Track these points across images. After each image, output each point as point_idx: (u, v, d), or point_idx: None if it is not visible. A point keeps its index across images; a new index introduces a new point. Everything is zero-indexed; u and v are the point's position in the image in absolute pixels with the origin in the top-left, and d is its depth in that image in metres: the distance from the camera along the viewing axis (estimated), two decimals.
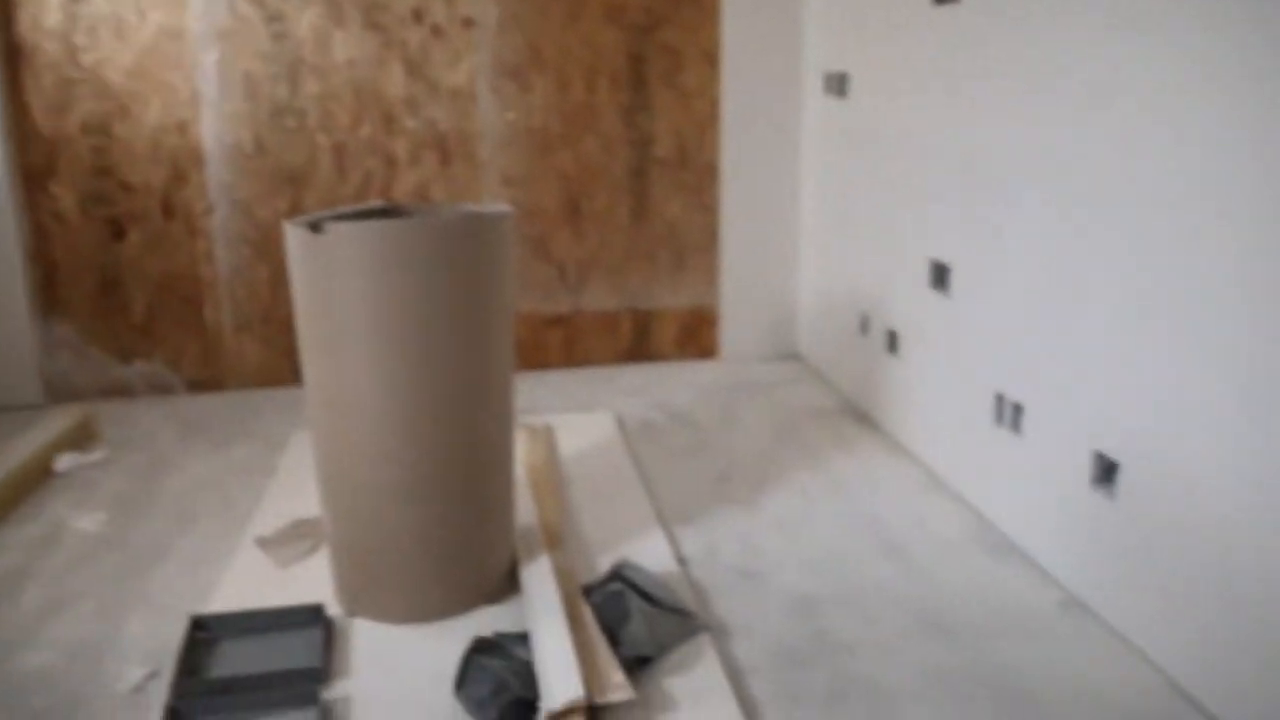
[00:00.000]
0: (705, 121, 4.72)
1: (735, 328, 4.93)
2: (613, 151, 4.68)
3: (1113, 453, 2.64)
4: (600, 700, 2.25)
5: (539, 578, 2.71)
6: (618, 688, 2.29)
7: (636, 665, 2.44)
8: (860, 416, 4.19)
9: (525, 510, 3.10)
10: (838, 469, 3.68)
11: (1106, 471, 2.68)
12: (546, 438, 3.74)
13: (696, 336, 4.95)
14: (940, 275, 3.51)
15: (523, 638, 2.47)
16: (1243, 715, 2.26)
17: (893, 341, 3.91)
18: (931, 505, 3.41)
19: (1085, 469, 2.74)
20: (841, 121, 4.34)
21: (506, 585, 2.79)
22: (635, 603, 2.58)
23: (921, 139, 3.60)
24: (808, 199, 4.76)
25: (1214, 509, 2.32)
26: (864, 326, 4.17)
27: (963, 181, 3.32)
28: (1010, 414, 3.10)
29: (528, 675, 2.32)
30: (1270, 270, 2.12)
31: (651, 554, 2.98)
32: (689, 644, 2.56)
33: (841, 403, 4.36)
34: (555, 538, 2.96)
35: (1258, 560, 2.21)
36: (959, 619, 2.72)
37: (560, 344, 4.81)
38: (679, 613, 2.63)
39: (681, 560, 3.00)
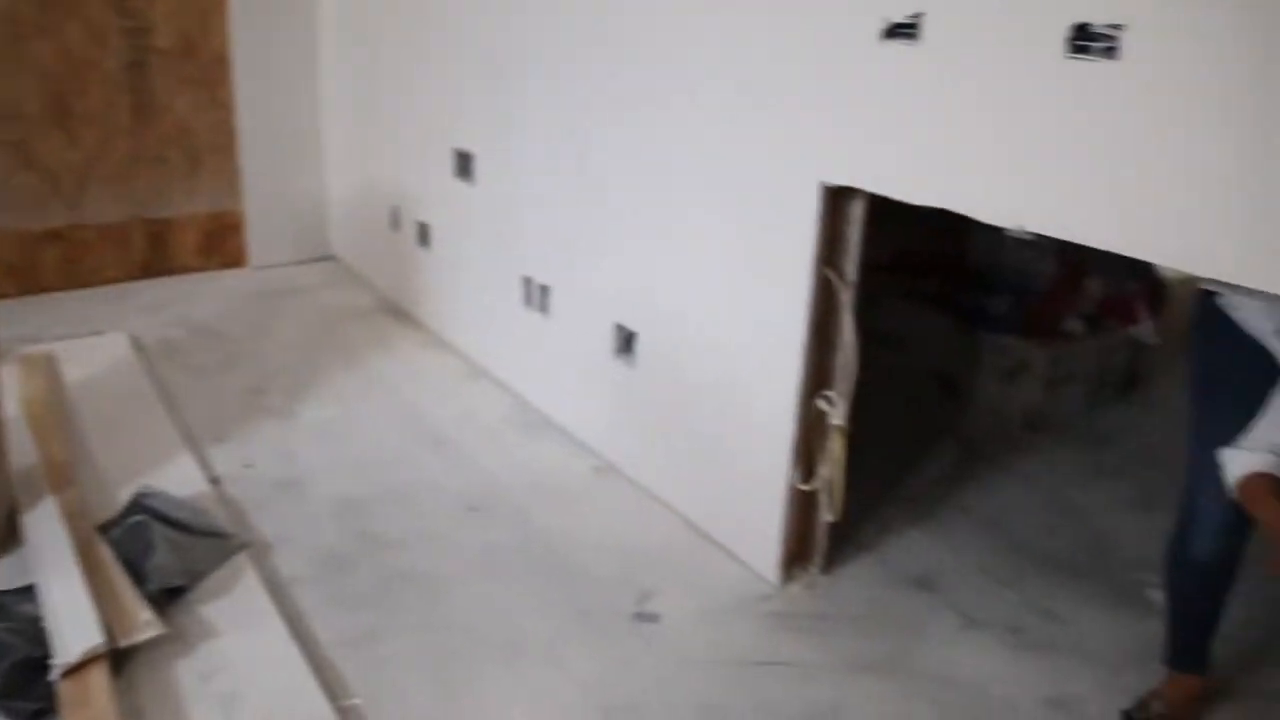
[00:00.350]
0: (210, 7, 4.31)
1: (263, 232, 4.64)
2: (103, 41, 4.14)
3: (631, 323, 2.80)
4: (126, 642, 2.07)
5: (44, 523, 2.42)
6: (145, 626, 2.11)
7: (167, 598, 2.26)
8: (399, 313, 4.13)
9: (25, 452, 2.74)
10: (378, 368, 3.61)
11: (626, 341, 2.83)
12: (46, 368, 3.33)
13: (221, 244, 4.60)
14: (465, 164, 3.49)
15: (27, 592, 2.20)
16: (742, 542, 2.53)
17: (424, 234, 3.86)
18: (473, 393, 3.45)
19: (608, 341, 2.88)
20: (359, 8, 4.15)
21: (4, 538, 2.47)
22: (160, 532, 2.38)
23: (441, 26, 3.52)
24: (330, 91, 4.53)
25: (711, 371, 2.53)
26: (395, 221, 4.08)
27: (483, 69, 3.29)
28: (539, 296, 3.18)
29: (35, 633, 2.07)
30: (758, 160, 2.31)
31: (179, 478, 2.76)
32: (227, 566, 2.41)
33: (379, 301, 4.27)
34: (63, 477, 2.66)
35: (743, 414, 2.45)
36: (503, 499, 2.80)
37: (58, 262, 4.26)
38: (212, 535, 2.47)
39: (214, 480, 2.82)
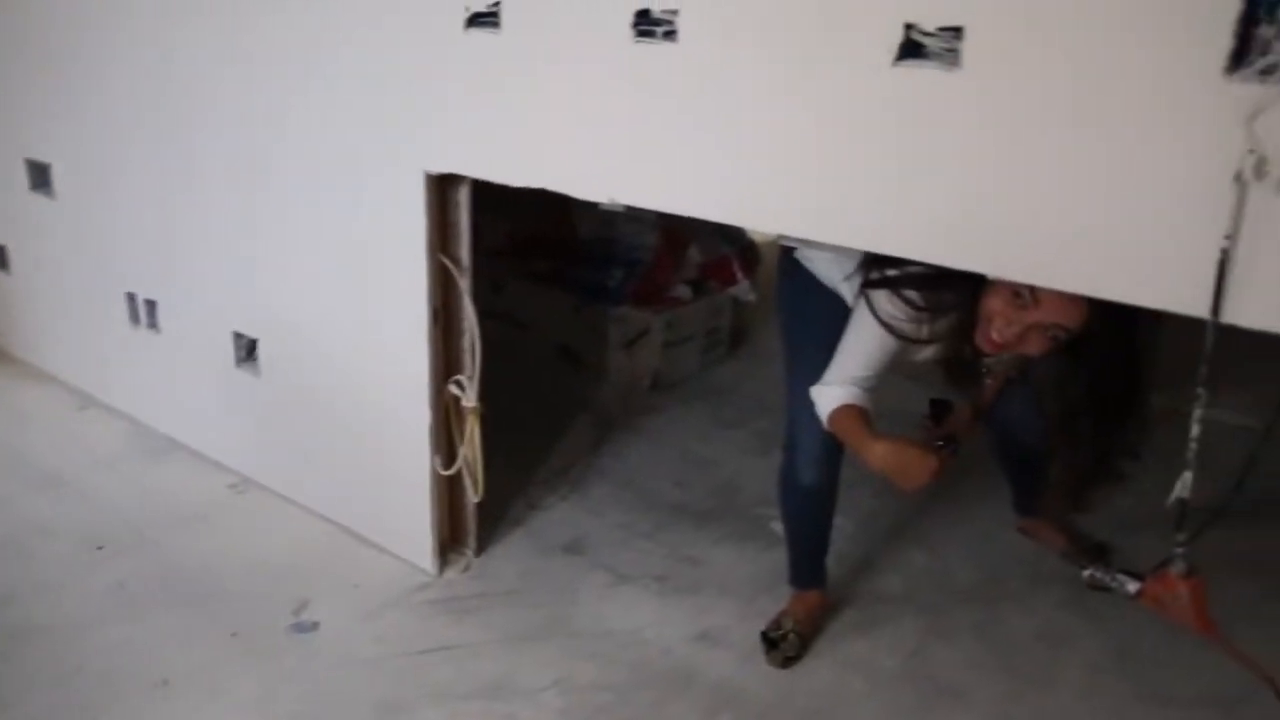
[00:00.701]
0: None
1: None
2: None
3: (251, 330, 2.70)
4: None
5: None
6: None
7: None
8: None
9: None
10: None
11: (248, 350, 2.73)
12: None
13: None
14: (41, 176, 3.18)
15: None
16: (395, 537, 2.54)
17: (2, 257, 3.49)
18: (84, 425, 3.18)
19: (229, 351, 2.76)
20: None
21: None
22: None
23: None
24: None
25: (341, 370, 2.51)
26: None
27: (56, 70, 3.00)
28: (146, 312, 2.99)
29: None
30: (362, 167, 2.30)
31: None
32: None
33: None
34: None
35: (378, 408, 2.45)
36: (132, 532, 2.62)
37: None
38: None
39: None
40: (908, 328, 1.92)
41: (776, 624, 2.30)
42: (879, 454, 1.87)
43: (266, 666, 2.17)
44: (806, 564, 2.35)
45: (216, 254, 2.70)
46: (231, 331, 2.74)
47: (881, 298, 1.91)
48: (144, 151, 2.79)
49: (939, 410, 2.18)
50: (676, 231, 3.70)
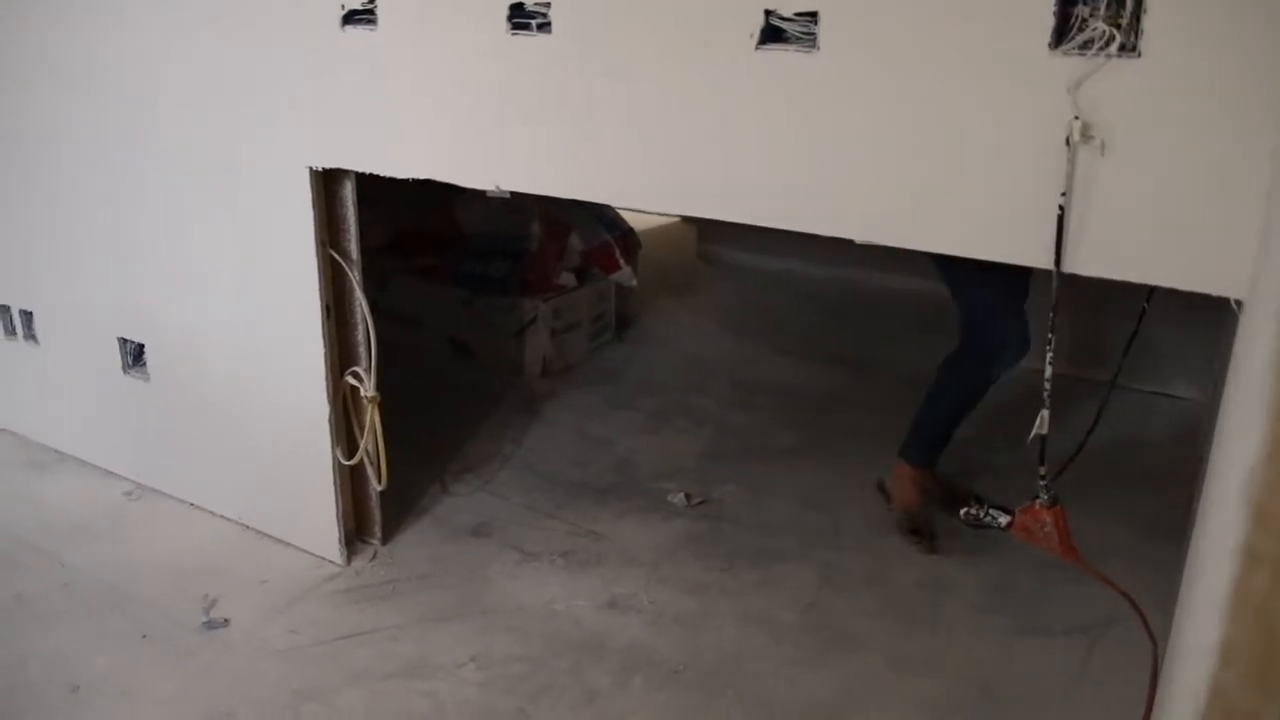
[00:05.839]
0: None
1: None
2: None
3: (137, 335, 2.68)
4: None
5: None
6: None
7: None
8: None
9: None
10: None
11: (135, 355, 2.71)
12: None
13: None
14: None
15: None
16: (300, 531, 2.56)
17: None
18: None
19: (114, 358, 2.74)
20: None
21: None
22: None
23: None
24: None
25: (234, 368, 2.53)
26: None
27: None
28: (22, 324, 2.93)
29: None
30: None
31: None
32: None
33: None
34: None
35: (276, 404, 2.48)
36: (26, 545, 2.58)
37: None
38: None
39: None
40: None
41: (907, 517, 2.66)
42: None
43: (180, 665, 2.17)
44: (940, 446, 2.67)
45: (93, 261, 2.67)
46: (116, 338, 2.71)
47: None
48: (5, 159, 2.74)
49: None
50: (557, 220, 3.76)
